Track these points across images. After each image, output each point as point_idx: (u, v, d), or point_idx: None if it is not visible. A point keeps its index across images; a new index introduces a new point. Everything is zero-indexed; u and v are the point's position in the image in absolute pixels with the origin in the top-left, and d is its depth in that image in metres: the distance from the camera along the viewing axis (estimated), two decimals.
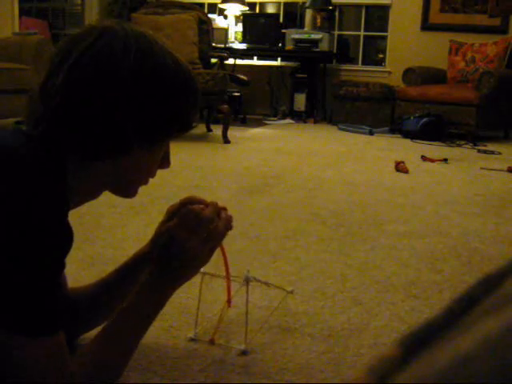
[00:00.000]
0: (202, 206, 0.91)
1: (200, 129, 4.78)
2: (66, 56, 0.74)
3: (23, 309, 0.67)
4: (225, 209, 0.94)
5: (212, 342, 1.07)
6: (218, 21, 6.24)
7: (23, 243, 0.66)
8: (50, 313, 0.70)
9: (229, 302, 1.11)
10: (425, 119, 4.78)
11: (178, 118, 0.82)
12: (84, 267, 1.42)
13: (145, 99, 0.76)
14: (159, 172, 0.89)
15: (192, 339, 1.08)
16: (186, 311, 1.20)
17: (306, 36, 5.92)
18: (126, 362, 0.84)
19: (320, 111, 6.20)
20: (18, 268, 0.66)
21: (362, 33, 6.41)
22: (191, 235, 0.86)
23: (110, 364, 0.82)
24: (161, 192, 2.29)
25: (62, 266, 0.72)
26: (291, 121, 6.06)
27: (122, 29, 0.77)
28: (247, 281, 1.10)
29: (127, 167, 0.81)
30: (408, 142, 4.68)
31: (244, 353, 1.04)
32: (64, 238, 0.71)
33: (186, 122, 0.84)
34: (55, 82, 0.73)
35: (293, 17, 6.60)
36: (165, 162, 0.88)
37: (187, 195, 0.96)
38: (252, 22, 6.31)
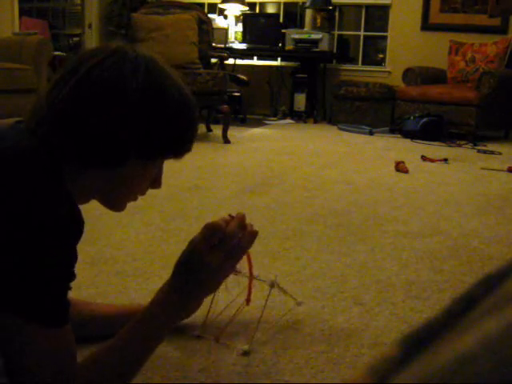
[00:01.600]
0: (227, 218, 0.91)
1: (200, 129, 4.77)
2: (75, 70, 0.76)
3: (39, 297, 0.68)
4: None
5: (217, 339, 1.08)
6: (218, 21, 6.23)
7: (38, 233, 0.67)
8: (63, 304, 0.71)
9: (248, 300, 1.12)
10: (425, 119, 4.78)
11: (175, 139, 0.83)
12: (84, 267, 1.42)
13: (148, 119, 0.78)
14: None
15: (197, 336, 1.09)
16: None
17: (305, 36, 5.92)
18: (135, 373, 0.84)
19: (320, 111, 6.20)
20: (32, 257, 0.67)
21: (362, 33, 6.41)
22: (213, 250, 0.87)
23: (121, 371, 0.82)
24: (161, 192, 2.28)
25: (75, 256, 0.73)
26: (291, 121, 6.05)
27: (132, 51, 0.79)
28: (272, 285, 1.11)
29: (119, 180, 0.82)
30: (408, 142, 4.68)
31: (246, 353, 1.04)
32: (74, 227, 0.72)
33: (183, 143, 0.85)
34: (61, 92, 0.75)
35: (293, 17, 6.60)
36: (156, 183, 0.89)
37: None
38: (252, 22, 6.31)
